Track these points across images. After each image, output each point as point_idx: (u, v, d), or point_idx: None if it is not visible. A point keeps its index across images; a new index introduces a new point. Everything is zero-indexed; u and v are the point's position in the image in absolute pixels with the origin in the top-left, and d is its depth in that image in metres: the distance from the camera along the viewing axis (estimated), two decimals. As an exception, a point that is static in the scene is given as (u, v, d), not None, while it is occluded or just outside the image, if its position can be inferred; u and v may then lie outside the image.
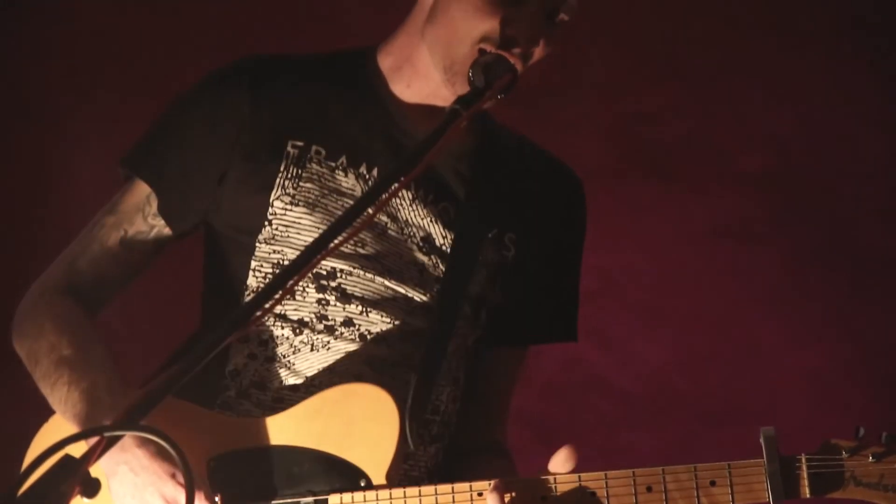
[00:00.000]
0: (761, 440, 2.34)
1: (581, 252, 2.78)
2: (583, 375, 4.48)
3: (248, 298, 2.58)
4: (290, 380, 2.56)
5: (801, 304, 4.46)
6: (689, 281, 4.48)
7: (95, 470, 1.91)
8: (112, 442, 1.91)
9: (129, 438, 2.31)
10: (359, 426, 2.44)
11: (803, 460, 2.33)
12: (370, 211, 2.16)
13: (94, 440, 1.89)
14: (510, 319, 2.69)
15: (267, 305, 2.07)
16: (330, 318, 2.55)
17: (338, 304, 2.55)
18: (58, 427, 2.51)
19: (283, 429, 2.47)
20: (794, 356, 4.47)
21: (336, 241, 2.11)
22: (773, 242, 4.47)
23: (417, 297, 2.58)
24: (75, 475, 1.84)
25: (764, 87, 4.48)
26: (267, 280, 2.57)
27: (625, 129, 4.49)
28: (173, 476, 2.36)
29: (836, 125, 4.47)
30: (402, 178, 2.20)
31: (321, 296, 2.55)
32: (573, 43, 4.30)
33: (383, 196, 2.17)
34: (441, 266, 2.59)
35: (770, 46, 4.48)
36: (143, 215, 2.61)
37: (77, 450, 1.88)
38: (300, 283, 2.46)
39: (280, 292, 2.07)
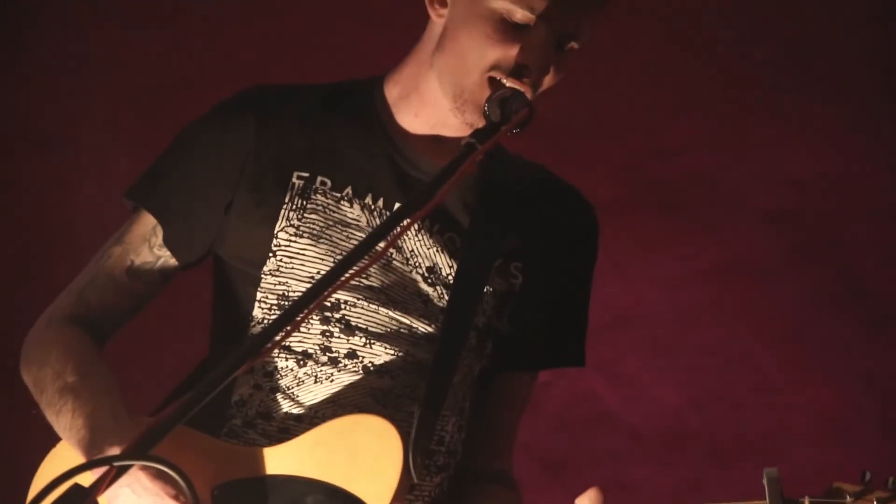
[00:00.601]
0: (764, 481, 2.32)
1: (591, 277, 2.77)
2: (592, 410, 4.47)
3: (254, 330, 2.58)
4: (293, 411, 2.56)
5: (814, 344, 4.44)
6: (700, 318, 4.47)
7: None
8: (121, 472, 1.91)
9: None
10: (362, 457, 2.43)
11: (806, 503, 2.31)
12: (382, 245, 2.17)
13: (103, 469, 1.89)
14: (518, 345, 2.68)
15: (277, 338, 2.07)
16: (334, 349, 2.56)
17: (342, 335, 2.55)
18: (64, 454, 2.51)
19: (288, 459, 2.47)
20: (806, 396, 4.45)
21: (347, 275, 2.11)
22: (786, 282, 4.45)
23: (422, 328, 2.58)
24: (84, 504, 1.85)
25: (780, 125, 4.48)
26: (272, 311, 2.57)
27: (639, 165, 4.49)
28: (175, 497, 2.36)
29: (852, 166, 4.46)
30: (418, 212, 2.21)
31: (325, 328, 2.55)
32: (589, 77, 4.32)
33: (397, 230, 2.18)
34: (446, 296, 2.59)
35: (787, 85, 4.48)
36: (149, 246, 2.62)
37: (84, 477, 1.88)
38: None
39: (290, 325, 2.08)
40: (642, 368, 4.48)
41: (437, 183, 2.24)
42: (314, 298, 2.09)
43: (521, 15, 2.46)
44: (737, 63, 4.49)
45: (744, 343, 4.46)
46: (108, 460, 1.91)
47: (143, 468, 2.34)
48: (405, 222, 2.19)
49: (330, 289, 2.09)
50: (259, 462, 2.48)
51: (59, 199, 4.42)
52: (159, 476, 2.36)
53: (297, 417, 2.55)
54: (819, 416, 4.43)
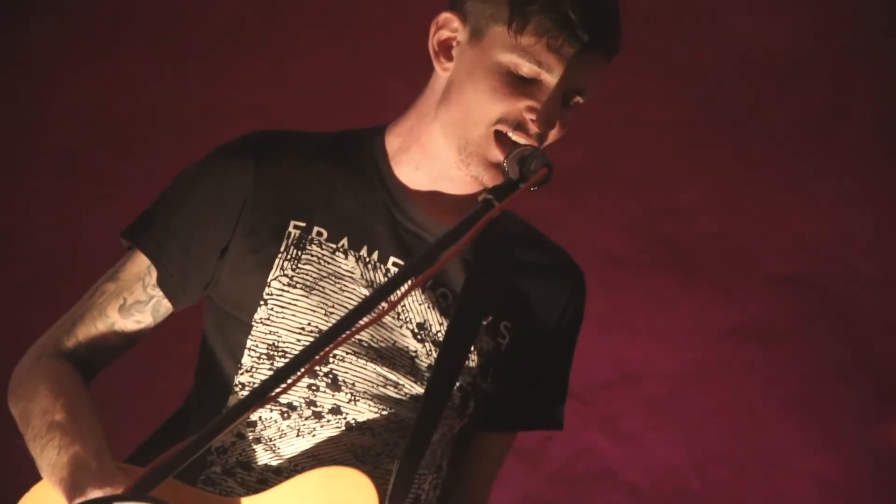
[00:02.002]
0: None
1: (575, 342, 2.75)
2: (593, 466, 4.44)
3: (241, 377, 2.57)
4: (273, 462, 2.55)
5: (820, 411, 4.41)
6: (706, 379, 4.45)
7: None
8: None
9: None
10: None
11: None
12: (393, 298, 2.16)
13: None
14: (497, 405, 2.66)
15: (273, 393, 2.06)
16: (318, 404, 2.54)
17: (327, 390, 2.54)
18: (44, 494, 2.49)
19: (264, 508, 2.46)
20: (810, 463, 4.41)
21: (348, 332, 2.10)
22: (794, 346, 4.43)
23: (408, 386, 2.56)
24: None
25: (795, 189, 4.47)
26: (261, 361, 2.56)
27: (653, 222, 4.48)
28: None
29: (867, 236, 4.44)
30: (433, 265, 2.19)
31: (312, 381, 2.54)
32: (608, 131, 4.32)
33: (406, 285, 2.16)
34: (434, 354, 2.57)
35: (805, 151, 4.47)
36: (143, 285, 2.61)
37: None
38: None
39: (289, 381, 2.06)
40: (646, 426, 4.45)
41: (447, 240, 2.22)
42: (313, 355, 2.08)
43: (527, 69, 2.45)
44: (755, 125, 4.48)
45: (749, 406, 4.43)
46: (109, 500, 1.90)
47: None
48: (408, 284, 2.17)
49: (330, 346, 2.09)
50: None
51: (76, 218, 4.46)
52: None
53: (276, 470, 2.54)
54: (823, 483, 4.39)
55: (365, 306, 2.15)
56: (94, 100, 4.49)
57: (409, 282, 2.19)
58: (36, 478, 2.54)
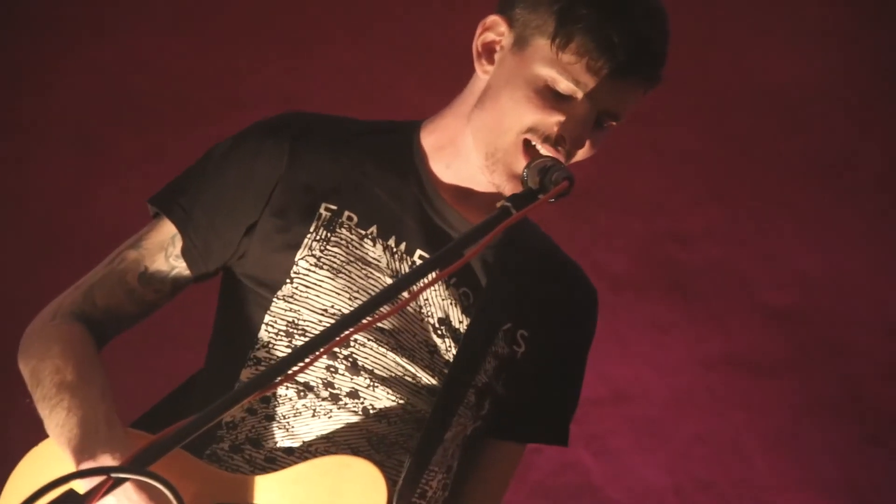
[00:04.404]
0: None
1: (586, 359, 2.76)
2: (576, 481, 4.46)
3: (257, 352, 2.57)
4: (285, 442, 2.54)
5: (805, 447, 4.44)
6: (695, 405, 4.47)
7: None
8: (117, 483, 1.90)
9: None
10: (345, 500, 2.41)
11: None
12: (406, 295, 2.17)
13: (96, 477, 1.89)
14: (508, 414, 2.67)
15: (290, 371, 2.05)
16: (336, 386, 2.54)
17: (346, 374, 2.54)
18: (48, 453, 2.49)
19: (269, 490, 2.44)
20: (792, 499, 4.43)
21: (367, 320, 2.10)
22: (785, 381, 4.45)
23: (425, 378, 2.57)
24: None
25: (801, 226, 4.50)
26: (279, 337, 2.56)
27: (656, 245, 4.51)
28: None
29: (865, 278, 4.47)
30: (446, 269, 2.19)
31: (331, 363, 2.54)
32: (620, 152, 4.34)
33: (422, 283, 2.17)
34: (453, 350, 2.57)
35: (815, 188, 4.50)
36: (165, 254, 2.61)
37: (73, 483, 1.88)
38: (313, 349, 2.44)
39: (307, 360, 2.06)
40: (631, 446, 4.47)
41: (466, 240, 2.23)
42: (333, 337, 2.08)
43: (564, 86, 2.44)
44: (767, 158, 4.51)
45: (735, 436, 4.45)
46: (106, 470, 1.90)
47: (134, 482, 2.33)
48: (431, 276, 2.18)
49: (351, 329, 2.08)
50: (240, 490, 2.45)
51: (85, 190, 4.46)
52: (143, 488, 2.35)
53: (288, 449, 2.53)
54: (802, 520, 4.42)
55: (387, 294, 2.16)
56: (112, 75, 4.49)
57: (433, 274, 2.21)
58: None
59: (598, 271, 4.37)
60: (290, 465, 2.48)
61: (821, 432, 4.43)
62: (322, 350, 2.07)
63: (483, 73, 2.54)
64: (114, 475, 1.88)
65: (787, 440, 4.44)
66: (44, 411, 2.50)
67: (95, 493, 1.86)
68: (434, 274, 2.20)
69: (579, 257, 2.82)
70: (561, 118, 2.45)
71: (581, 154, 2.50)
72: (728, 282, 4.48)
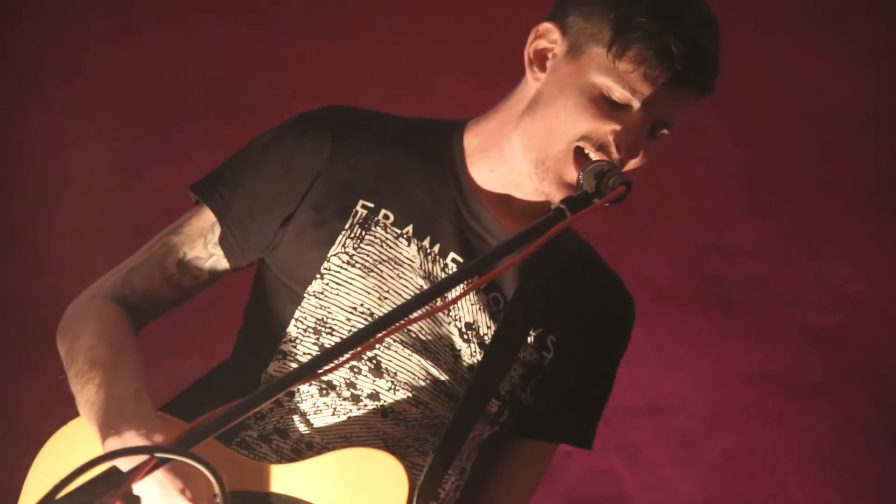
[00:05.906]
0: None
1: (617, 367, 2.74)
2: (607, 489, 4.44)
3: (285, 347, 2.58)
4: (306, 437, 2.56)
5: (842, 470, 4.40)
6: (732, 421, 4.44)
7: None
8: (160, 463, 1.90)
9: None
10: (367, 491, 2.42)
11: None
12: (450, 296, 2.17)
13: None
14: (533, 415, 2.66)
15: (321, 371, 2.04)
16: (358, 387, 2.55)
17: (369, 375, 2.55)
18: (78, 431, 2.52)
19: (293, 480, 2.46)
20: (825, 521, 4.41)
21: (401, 322, 2.08)
22: (822, 402, 4.42)
23: (448, 383, 2.56)
24: (118, 489, 1.85)
25: (846, 246, 4.46)
26: (307, 333, 2.56)
27: (700, 259, 4.48)
28: (182, 492, 2.37)
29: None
30: (499, 267, 2.17)
31: (355, 363, 2.54)
32: (669, 163, 4.33)
33: (457, 291, 2.15)
34: (478, 355, 2.56)
35: (863, 209, 4.47)
36: (204, 242, 2.63)
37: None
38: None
39: (337, 361, 2.04)
40: (664, 458, 4.45)
41: (511, 245, 2.18)
42: (364, 340, 2.05)
43: (619, 94, 2.42)
44: (816, 175, 4.48)
45: (770, 455, 4.43)
46: (151, 450, 1.89)
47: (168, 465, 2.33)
48: (468, 283, 2.14)
49: (382, 334, 2.06)
50: (265, 478, 2.47)
51: (130, 174, 4.49)
52: (170, 468, 2.36)
53: (308, 444, 2.55)
54: (835, 543, 4.39)
55: (420, 299, 2.12)
56: (166, 61, 4.52)
57: (469, 282, 2.19)
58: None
59: (642, 281, 4.36)
60: (311, 458, 2.50)
61: (857, 456, 4.40)
62: (351, 353, 2.04)
63: (534, 80, 2.52)
64: (158, 455, 1.88)
65: (823, 462, 4.40)
66: (76, 387, 2.53)
67: (138, 471, 1.86)
68: (470, 281, 2.18)
69: (623, 266, 2.81)
70: (616, 127, 2.43)
71: (634, 163, 2.48)
72: (771, 299, 4.46)
